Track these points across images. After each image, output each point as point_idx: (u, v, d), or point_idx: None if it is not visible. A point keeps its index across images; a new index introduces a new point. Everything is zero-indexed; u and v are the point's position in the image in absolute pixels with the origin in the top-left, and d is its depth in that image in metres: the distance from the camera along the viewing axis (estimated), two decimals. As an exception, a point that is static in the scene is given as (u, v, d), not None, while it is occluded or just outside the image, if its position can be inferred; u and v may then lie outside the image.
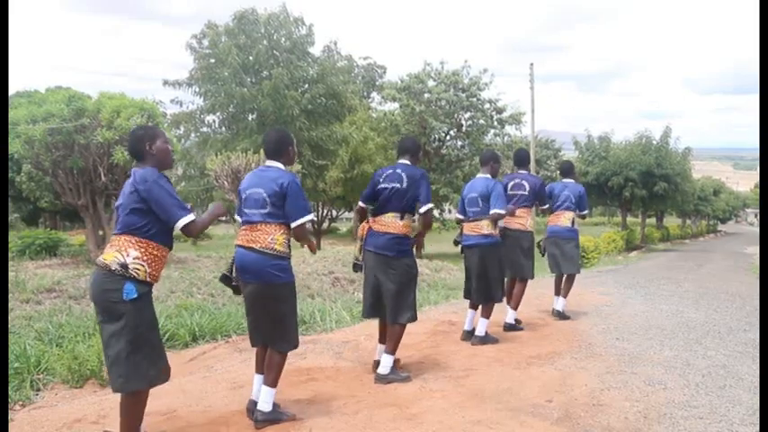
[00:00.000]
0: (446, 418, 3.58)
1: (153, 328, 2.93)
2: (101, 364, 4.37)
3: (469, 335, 5.59)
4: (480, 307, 5.48)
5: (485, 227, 5.27)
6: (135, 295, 2.79)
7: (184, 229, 2.88)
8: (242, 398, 3.87)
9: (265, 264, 3.34)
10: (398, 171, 4.29)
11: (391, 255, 4.26)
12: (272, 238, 3.36)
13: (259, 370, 3.60)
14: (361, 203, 4.53)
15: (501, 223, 5.51)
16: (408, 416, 3.63)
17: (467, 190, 5.48)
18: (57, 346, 5.03)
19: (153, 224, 2.88)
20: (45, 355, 4.66)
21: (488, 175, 5.44)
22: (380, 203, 4.33)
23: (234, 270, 3.48)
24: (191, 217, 2.89)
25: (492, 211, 5.22)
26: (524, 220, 5.94)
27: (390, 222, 4.27)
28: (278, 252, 3.37)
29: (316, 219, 27.32)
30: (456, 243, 5.55)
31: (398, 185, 4.24)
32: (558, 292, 6.96)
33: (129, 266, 2.81)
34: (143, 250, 2.86)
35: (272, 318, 3.43)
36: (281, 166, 3.52)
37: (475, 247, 5.32)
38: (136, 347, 2.81)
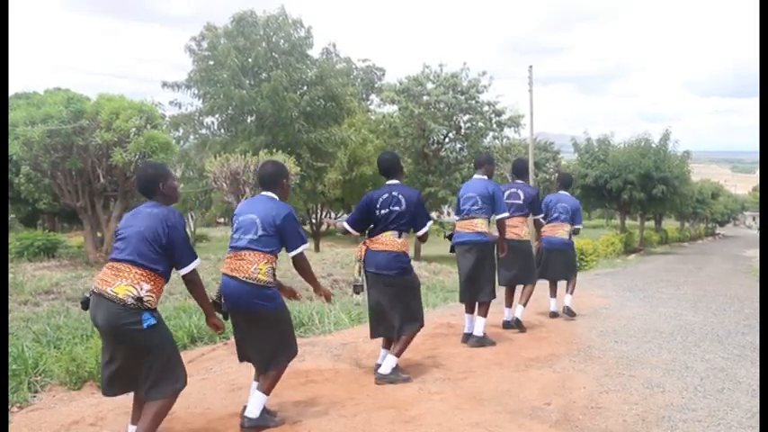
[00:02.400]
0: (445, 421, 3.58)
1: (172, 340, 3.12)
2: (98, 366, 4.35)
3: (469, 337, 5.59)
4: (476, 309, 5.49)
5: (479, 225, 5.30)
6: (154, 322, 2.94)
7: (189, 275, 3.06)
8: (240, 400, 3.86)
9: (250, 294, 3.35)
10: (395, 194, 4.30)
11: (393, 274, 4.28)
12: (255, 267, 3.35)
13: (257, 377, 3.58)
14: (347, 227, 4.49)
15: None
16: (407, 418, 3.63)
17: (464, 190, 5.52)
18: (54, 347, 5.02)
19: (164, 259, 2.97)
20: (43, 356, 4.65)
21: (485, 177, 5.50)
22: (379, 225, 4.32)
23: (222, 297, 3.48)
24: (197, 263, 3.07)
25: (497, 217, 5.27)
26: (519, 229, 5.97)
27: (389, 241, 4.28)
28: (262, 282, 3.36)
29: (314, 221, 27.37)
30: (447, 237, 5.55)
31: (398, 208, 4.27)
32: (553, 295, 7.01)
33: (144, 299, 2.91)
34: (152, 283, 2.94)
35: (263, 342, 3.43)
36: (276, 197, 3.55)
37: (468, 244, 5.33)
38: (166, 361, 2.99)
